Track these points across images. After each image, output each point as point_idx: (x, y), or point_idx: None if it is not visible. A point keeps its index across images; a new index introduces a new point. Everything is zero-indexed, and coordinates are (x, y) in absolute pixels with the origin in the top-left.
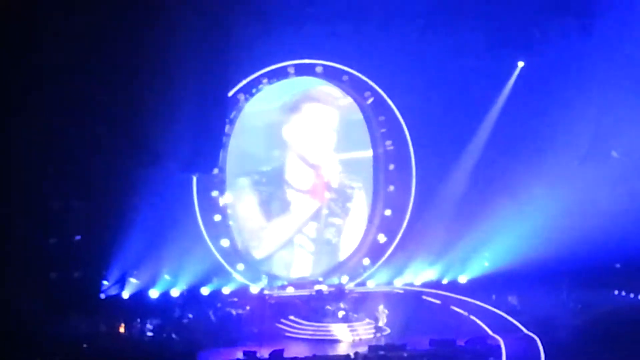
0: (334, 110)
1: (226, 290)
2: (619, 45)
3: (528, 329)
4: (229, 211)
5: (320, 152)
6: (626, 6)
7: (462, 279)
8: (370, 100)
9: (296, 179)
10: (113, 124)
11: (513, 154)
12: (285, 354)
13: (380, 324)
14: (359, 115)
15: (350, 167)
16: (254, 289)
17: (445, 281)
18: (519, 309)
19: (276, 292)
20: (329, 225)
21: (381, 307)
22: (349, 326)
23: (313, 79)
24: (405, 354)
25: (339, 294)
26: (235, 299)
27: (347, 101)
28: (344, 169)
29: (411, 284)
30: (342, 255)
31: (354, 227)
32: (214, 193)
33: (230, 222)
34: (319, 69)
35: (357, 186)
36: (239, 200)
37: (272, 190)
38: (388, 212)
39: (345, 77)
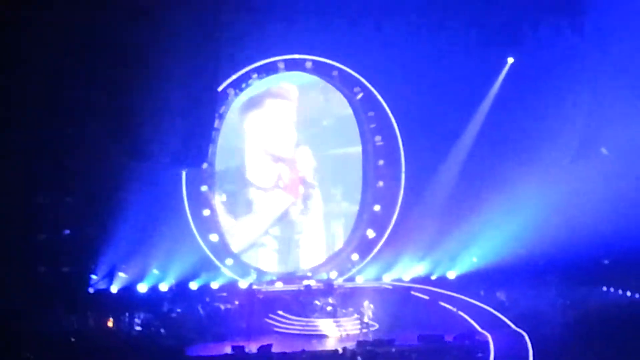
0: (294, 105)
1: (215, 285)
2: (610, 43)
3: (516, 325)
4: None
5: (285, 146)
6: (617, 4)
7: (451, 275)
8: (359, 96)
9: (259, 176)
10: (103, 118)
11: (503, 151)
12: (274, 349)
13: (366, 319)
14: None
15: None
16: (243, 284)
17: (433, 277)
18: (508, 305)
19: (265, 287)
20: (296, 223)
21: (366, 303)
22: (337, 321)
23: (303, 74)
24: (393, 350)
25: (328, 289)
26: (224, 294)
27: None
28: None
29: (400, 280)
30: (304, 253)
31: (313, 225)
32: (204, 188)
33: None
34: (308, 65)
35: (315, 184)
36: None
37: (235, 189)
38: (377, 208)
39: (335, 73)
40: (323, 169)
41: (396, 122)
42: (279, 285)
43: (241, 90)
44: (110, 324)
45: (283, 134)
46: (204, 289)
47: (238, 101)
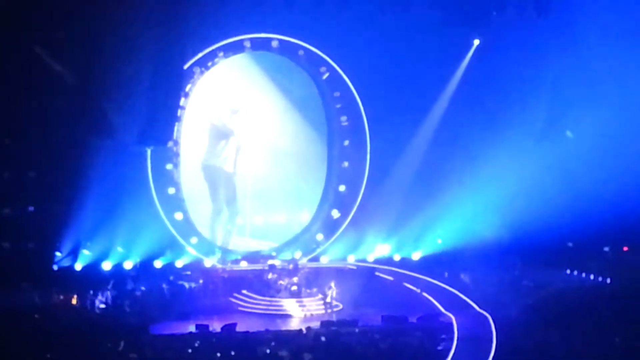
0: None
1: (179, 263)
2: (575, 25)
3: (480, 307)
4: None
5: None
6: None
7: (415, 256)
8: (325, 76)
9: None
10: (68, 95)
11: (467, 132)
12: (238, 328)
13: (329, 299)
14: None
15: None
16: (207, 263)
17: (398, 258)
18: (471, 287)
19: (229, 266)
20: None
21: (332, 283)
22: (301, 301)
23: (268, 53)
24: (357, 330)
25: (292, 269)
26: (189, 273)
27: None
28: None
29: (364, 260)
30: None
31: None
32: (169, 166)
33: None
34: (274, 44)
35: None
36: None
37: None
38: (342, 188)
39: (300, 52)
40: None
41: (362, 102)
42: (244, 265)
43: (207, 68)
44: (74, 301)
45: None
46: (169, 267)
47: None
